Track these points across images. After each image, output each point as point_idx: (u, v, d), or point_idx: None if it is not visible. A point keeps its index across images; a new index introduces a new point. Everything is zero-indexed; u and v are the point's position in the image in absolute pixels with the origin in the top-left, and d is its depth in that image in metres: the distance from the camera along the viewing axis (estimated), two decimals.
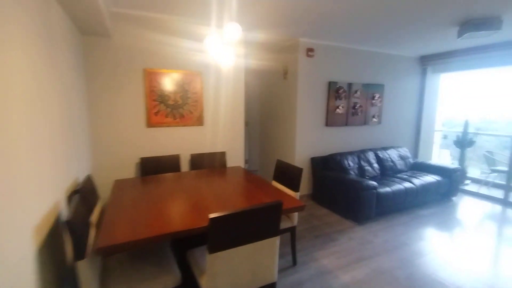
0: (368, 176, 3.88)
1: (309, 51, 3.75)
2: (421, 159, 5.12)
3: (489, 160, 4.50)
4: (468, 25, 2.88)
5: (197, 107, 3.21)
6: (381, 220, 3.31)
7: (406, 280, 2.18)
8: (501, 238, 2.95)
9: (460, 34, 3.04)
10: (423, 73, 4.94)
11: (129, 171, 2.90)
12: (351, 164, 3.84)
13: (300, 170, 2.30)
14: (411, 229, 3.08)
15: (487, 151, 4.60)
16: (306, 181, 4.06)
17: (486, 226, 3.23)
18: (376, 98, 4.41)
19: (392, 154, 4.31)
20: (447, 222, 3.31)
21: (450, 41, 3.73)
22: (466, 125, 4.85)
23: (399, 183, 3.56)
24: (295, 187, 2.32)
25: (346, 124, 4.21)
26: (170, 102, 3.06)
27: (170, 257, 1.71)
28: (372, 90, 4.36)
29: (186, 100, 3.15)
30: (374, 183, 3.21)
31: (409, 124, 5.01)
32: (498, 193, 4.24)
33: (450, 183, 3.96)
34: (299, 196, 2.31)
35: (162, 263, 1.64)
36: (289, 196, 2.05)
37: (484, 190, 4.45)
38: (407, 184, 3.56)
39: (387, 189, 3.36)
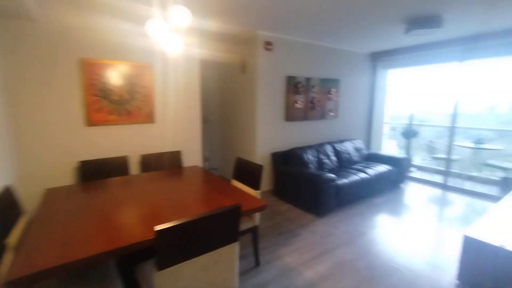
0: (326, 168, 3.97)
1: (267, 44, 3.67)
2: (373, 150, 5.44)
3: (431, 149, 4.95)
4: (414, 22, 3.05)
5: (147, 102, 2.91)
6: (340, 211, 3.40)
7: (366, 270, 2.24)
8: (442, 219, 3.23)
9: (407, 31, 3.21)
10: (374, 69, 5.22)
11: (66, 178, 2.52)
12: (311, 158, 3.88)
13: (260, 168, 2.20)
14: (367, 218, 3.21)
15: (429, 141, 5.05)
16: (267, 177, 4.01)
17: (429, 209, 3.53)
18: (332, 92, 4.52)
19: (348, 147, 4.48)
20: (397, 208, 3.54)
21: (397, 38, 3.95)
22: (411, 117, 5.26)
23: (355, 174, 3.70)
24: (256, 185, 2.22)
25: (305, 118, 4.25)
26: (115, 98, 2.72)
27: (114, 273, 1.48)
28: (328, 85, 4.46)
29: (134, 95, 2.84)
30: (333, 175, 3.27)
31: (362, 117, 5.27)
32: (439, 178, 4.68)
33: (399, 171, 4.25)
34: (260, 194, 2.21)
35: (104, 282, 1.41)
36: (249, 196, 1.93)
37: (427, 176, 4.89)
38: (363, 175, 3.72)
39: (345, 180, 3.46)
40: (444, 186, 4.39)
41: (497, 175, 4.28)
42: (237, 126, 4.26)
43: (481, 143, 4.44)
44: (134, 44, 2.75)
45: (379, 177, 3.89)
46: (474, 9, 2.76)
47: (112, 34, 2.63)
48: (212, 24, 3.11)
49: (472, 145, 4.54)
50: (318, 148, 4.11)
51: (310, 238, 2.74)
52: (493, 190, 4.15)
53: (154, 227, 1.10)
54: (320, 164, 3.95)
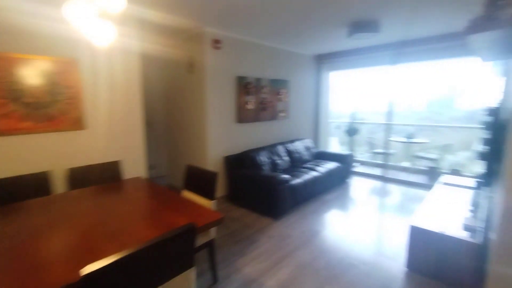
0: (280, 169, 3.97)
1: (216, 42, 3.48)
2: (321, 148, 5.69)
3: (370, 144, 5.39)
4: (355, 26, 3.22)
5: (74, 106, 2.46)
6: (296, 211, 3.41)
7: (325, 269, 2.24)
8: (385, 209, 3.50)
9: (349, 34, 3.38)
10: (319, 70, 5.45)
11: None
12: (264, 159, 3.83)
13: (214, 175, 2.02)
14: (321, 216, 3.29)
15: (369, 137, 5.49)
16: (221, 182, 3.82)
17: (374, 200, 3.80)
18: (282, 93, 4.56)
19: (299, 146, 4.57)
20: (346, 203, 3.72)
21: (340, 41, 4.17)
22: (352, 116, 5.66)
23: (308, 173, 3.77)
24: (210, 194, 2.03)
25: (257, 119, 4.18)
26: (29, 100, 2.22)
27: None
28: (278, 86, 4.48)
29: (56, 97, 2.37)
30: (287, 176, 3.26)
31: (310, 117, 5.46)
32: (378, 171, 5.12)
33: (346, 167, 4.51)
34: (215, 204, 2.03)
35: None
36: (204, 209, 1.74)
37: (368, 170, 5.31)
38: (314, 173, 3.81)
39: (299, 180, 3.49)
40: (383, 178, 4.81)
41: (425, 165, 4.86)
42: (186, 129, 3.96)
43: (411, 138, 4.99)
44: (53, 34, 2.28)
45: (329, 174, 4.04)
46: (403, 16, 3.03)
47: (22, 20, 2.13)
48: (154, 14, 2.77)
49: (404, 139, 5.08)
50: (271, 149, 4.09)
51: (268, 244, 2.65)
52: (423, 179, 4.70)
53: (81, 270, 0.84)
54: (274, 165, 3.92)
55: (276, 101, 4.48)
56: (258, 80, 4.10)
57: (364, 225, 3.04)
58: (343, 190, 4.27)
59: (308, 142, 4.84)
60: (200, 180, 2.14)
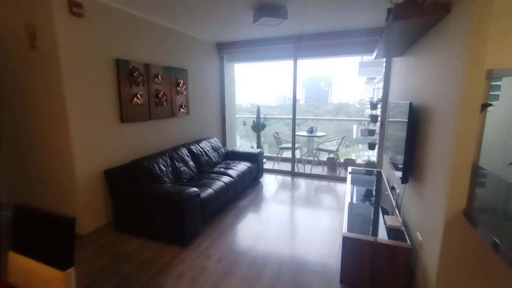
0: (185, 178, 3.23)
1: (74, 6, 2.36)
2: (229, 146, 5.23)
3: (277, 140, 5.32)
4: (262, 10, 2.81)
5: None
6: (209, 230, 2.79)
7: None
8: (302, 207, 3.36)
9: (255, 18, 2.95)
10: (221, 60, 4.91)
11: None
12: (164, 168, 3.00)
13: (70, 223, 1.14)
14: (239, 230, 2.80)
15: (275, 132, 5.41)
16: (102, 206, 2.75)
17: (288, 199, 3.62)
18: (181, 84, 3.76)
19: (205, 147, 3.93)
20: (263, 208, 3.38)
21: (244, 29, 3.73)
22: (258, 111, 5.44)
23: (219, 179, 3.20)
24: (62, 260, 1.14)
25: (151, 117, 3.26)
26: None
27: None
28: (175, 75, 3.66)
29: None
30: (196, 189, 2.58)
31: (215, 112, 4.87)
32: (287, 166, 5.10)
33: (257, 167, 4.19)
34: (72, 278, 1.15)
35: None
36: None
37: (277, 166, 5.24)
38: (226, 179, 3.28)
39: (210, 190, 2.87)
40: (292, 173, 4.80)
41: (328, 156, 5.15)
42: (34, 136, 2.64)
43: (312, 132, 5.18)
44: None
45: (242, 177, 3.60)
46: (310, 4, 2.84)
47: None
48: None
49: (305, 133, 5.23)
50: (172, 153, 3.28)
51: (179, 287, 1.94)
52: (329, 171, 4.95)
53: None
54: (177, 174, 3.15)
55: (174, 94, 3.65)
56: (147, 66, 3.18)
57: (288, 232, 2.74)
58: (257, 192, 3.94)
59: (215, 142, 4.26)
60: (41, 234, 1.20)
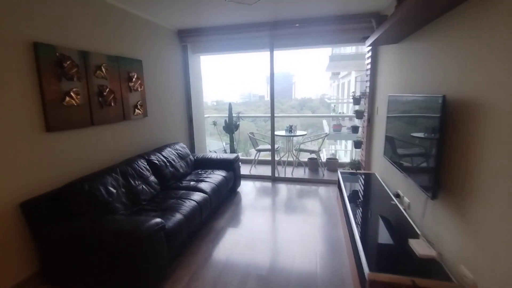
0: (145, 200, 2.51)
1: None
2: (199, 152, 4.54)
3: (253, 141, 4.74)
4: None
5: None
6: (179, 270, 2.13)
7: None
8: (286, 216, 2.84)
9: None
10: (184, 51, 4.17)
11: None
12: (114, 190, 2.25)
13: None
14: (219, 265, 2.18)
15: (250, 133, 4.82)
16: (21, 252, 1.93)
17: (272, 209, 3.08)
18: (134, 79, 2.99)
19: (170, 156, 3.21)
20: (244, 225, 2.80)
21: (209, 12, 3.06)
22: (230, 109, 4.80)
23: (189, 197, 2.54)
24: None
25: (92, 122, 2.46)
26: None
27: None
28: (126, 68, 2.87)
29: None
30: (159, 221, 1.89)
31: (180, 112, 4.13)
32: (267, 170, 4.57)
33: (234, 174, 3.59)
34: None
35: None
36: None
37: (255, 170, 4.67)
38: (198, 196, 2.62)
39: (178, 216, 2.20)
40: (273, 179, 4.27)
41: (309, 157, 4.71)
42: None
43: (292, 131, 4.70)
44: None
45: (217, 190, 2.97)
46: None
47: None
48: None
49: (285, 133, 4.73)
50: (125, 168, 2.53)
51: None
52: (311, 173, 4.50)
53: None
54: (133, 196, 2.41)
55: (125, 91, 2.87)
56: (85, 55, 2.37)
57: (284, 260, 2.18)
58: (236, 205, 3.33)
59: (182, 148, 3.54)
60: None
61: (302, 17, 3.48)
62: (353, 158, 4.33)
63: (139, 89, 3.07)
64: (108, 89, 2.61)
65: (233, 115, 4.82)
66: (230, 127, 4.76)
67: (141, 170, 2.66)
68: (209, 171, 3.38)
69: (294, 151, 4.73)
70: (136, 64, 3.05)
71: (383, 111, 3.10)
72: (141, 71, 3.12)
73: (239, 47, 4.08)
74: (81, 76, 2.34)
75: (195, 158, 3.66)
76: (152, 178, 2.75)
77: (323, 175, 4.40)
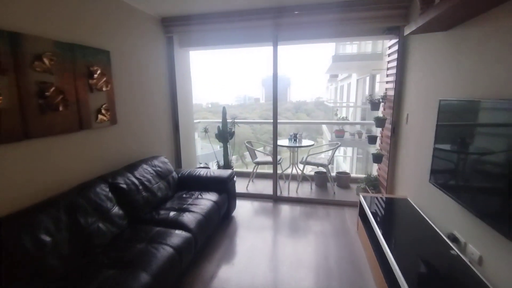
0: (100, 245, 1.77)
1: None
2: (187, 166, 3.81)
3: (251, 152, 4.03)
4: None
5: None
6: None
7: None
8: (289, 246, 2.14)
9: None
10: (169, 44, 3.45)
11: None
12: (48, 238, 1.51)
13: None
14: None
15: (247, 142, 4.12)
16: None
17: (273, 240, 2.38)
18: (96, 75, 2.25)
19: (145, 175, 2.47)
20: (243, 272, 2.08)
21: None
22: (224, 114, 4.09)
23: (165, 241, 1.82)
24: None
25: (27, 134, 1.72)
26: None
27: None
28: (86, 60, 2.14)
29: None
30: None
31: (162, 118, 3.40)
32: (267, 186, 3.87)
33: (228, 197, 2.87)
34: None
35: None
36: None
37: (252, 187, 3.97)
38: (178, 238, 1.90)
39: (144, 279, 1.48)
40: (275, 198, 3.56)
41: (316, 171, 4.03)
42: None
43: (296, 140, 4.01)
44: None
45: (205, 224, 2.26)
46: None
47: None
48: None
49: (288, 142, 4.04)
50: (76, 200, 1.79)
51: None
52: (322, 193, 3.80)
53: None
54: (82, 242, 1.68)
55: (83, 91, 2.14)
56: (14, 38, 1.64)
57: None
58: (230, 238, 2.61)
59: (162, 163, 2.82)
60: None
61: (313, 2, 2.81)
62: (368, 173, 3.66)
63: (104, 89, 2.34)
64: (53, 88, 1.88)
65: (228, 120, 4.12)
66: (224, 135, 4.05)
67: (99, 201, 1.92)
68: (196, 193, 2.66)
69: (299, 164, 4.03)
70: (101, 56, 2.32)
71: (418, 119, 2.43)
72: (108, 66, 2.39)
73: (236, 40, 3.38)
74: (7, 68, 1.61)
75: (179, 175, 2.93)
76: (116, 210, 2.02)
77: (334, 193, 3.71)
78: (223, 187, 2.82)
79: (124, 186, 2.17)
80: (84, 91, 2.15)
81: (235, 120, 4.23)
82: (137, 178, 2.34)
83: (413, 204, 2.39)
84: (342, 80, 16.31)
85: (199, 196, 2.60)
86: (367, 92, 9.13)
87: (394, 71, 3.04)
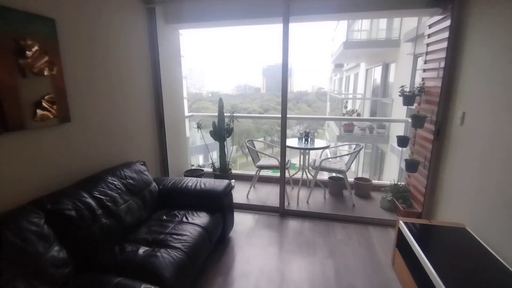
0: None
1: None
2: (176, 171, 3.16)
3: (253, 153, 3.35)
4: None
5: None
6: None
7: None
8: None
9: None
10: (151, 18, 2.72)
11: None
12: None
13: None
14: None
15: (248, 141, 3.43)
16: None
17: (281, 278, 1.75)
18: (32, 53, 1.55)
19: (109, 193, 1.81)
20: None
21: None
22: (221, 106, 3.40)
23: None
24: None
25: None
26: None
27: None
28: (9, 28, 1.44)
29: None
30: None
31: (142, 112, 2.71)
32: (270, 193, 3.22)
33: (223, 217, 2.22)
34: None
35: None
36: None
37: (253, 194, 3.32)
38: None
39: None
40: (282, 212, 2.91)
41: (332, 177, 3.36)
42: None
43: (308, 139, 3.33)
44: None
45: (189, 265, 1.61)
46: None
47: None
48: None
49: (298, 142, 3.37)
50: None
51: None
52: (330, 198, 3.15)
53: None
54: None
55: (9, 75, 1.45)
56: None
57: None
58: (224, 276, 1.97)
59: (137, 172, 2.15)
60: None
61: None
62: (396, 181, 3.01)
63: (46, 73, 1.64)
64: None
65: (226, 114, 3.44)
66: (221, 133, 3.37)
67: (22, 244, 1.26)
68: (181, 214, 2.01)
69: (310, 169, 3.37)
70: (40, 25, 1.61)
71: (486, 120, 1.75)
72: (53, 40, 1.69)
73: (238, 14, 2.67)
74: None
75: (160, 187, 2.27)
76: (55, 252, 1.36)
77: (353, 205, 3.07)
78: (217, 204, 2.17)
79: (72, 213, 1.51)
80: (12, 76, 1.46)
81: (234, 115, 3.54)
82: (95, 198, 1.68)
83: (475, 236, 1.74)
84: (348, 70, 15.46)
85: (184, 219, 1.95)
86: (378, 82, 8.40)
87: (438, 55, 2.34)
